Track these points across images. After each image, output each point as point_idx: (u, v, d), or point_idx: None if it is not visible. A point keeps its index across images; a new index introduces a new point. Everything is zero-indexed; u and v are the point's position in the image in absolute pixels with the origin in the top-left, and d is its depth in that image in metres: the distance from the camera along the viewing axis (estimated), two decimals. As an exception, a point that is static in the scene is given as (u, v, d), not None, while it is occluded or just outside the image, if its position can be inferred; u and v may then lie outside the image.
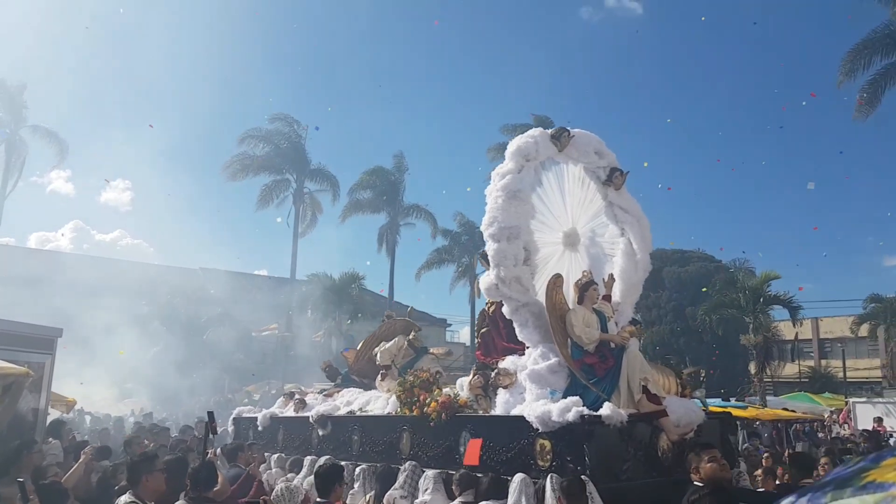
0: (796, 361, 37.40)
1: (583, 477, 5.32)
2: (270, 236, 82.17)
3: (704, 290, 31.02)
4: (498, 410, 6.65)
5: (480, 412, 6.88)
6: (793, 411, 21.90)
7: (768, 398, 26.33)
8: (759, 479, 7.89)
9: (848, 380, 33.05)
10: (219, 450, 8.65)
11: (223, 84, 76.17)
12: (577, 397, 5.83)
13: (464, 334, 48.20)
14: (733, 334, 29.90)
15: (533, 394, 6.22)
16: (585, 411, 5.64)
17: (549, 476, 5.58)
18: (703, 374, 7.08)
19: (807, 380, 36.30)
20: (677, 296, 35.87)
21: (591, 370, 6.17)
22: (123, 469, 6.68)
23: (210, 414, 5.70)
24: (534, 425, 5.83)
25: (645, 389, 5.92)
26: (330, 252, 74.75)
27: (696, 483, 4.33)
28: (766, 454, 10.84)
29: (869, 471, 1.93)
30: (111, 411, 25.22)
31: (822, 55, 61.99)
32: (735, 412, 18.39)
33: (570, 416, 5.57)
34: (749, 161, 70.43)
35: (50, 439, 9.05)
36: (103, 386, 28.41)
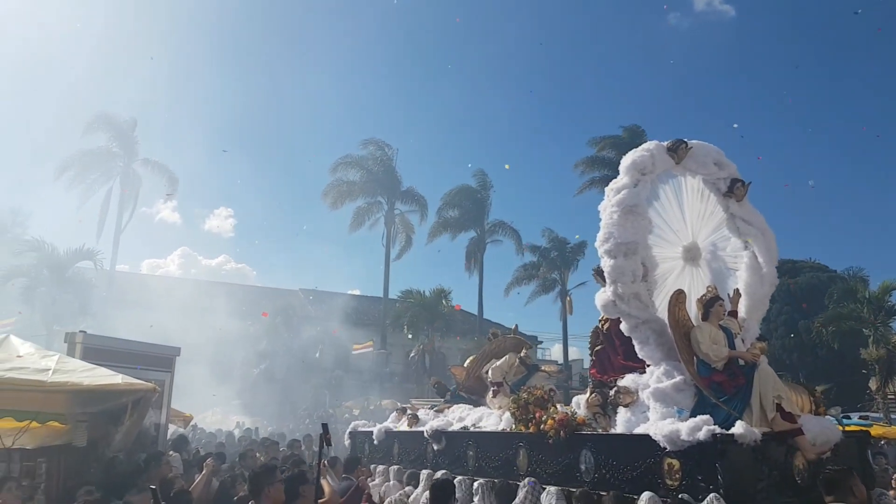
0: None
1: (714, 496, 5.16)
2: (362, 257, 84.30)
3: (828, 304, 29.24)
4: (619, 429, 6.56)
5: (599, 430, 6.82)
6: (922, 428, 20.37)
7: (892, 415, 24.59)
8: (893, 498, 7.42)
9: (979, 395, 30.30)
10: (326, 462, 8.91)
11: (311, 109, 79.19)
12: (708, 416, 5.69)
13: (555, 351, 47.59)
14: (850, 348, 28.07)
15: (658, 412, 6.10)
16: (717, 430, 5.48)
17: (679, 496, 5.44)
18: (830, 392, 6.72)
19: (932, 396, 33.57)
20: (788, 308, 34.03)
21: (720, 388, 5.99)
22: (240, 480, 7.11)
23: (324, 426, 5.87)
24: (661, 444, 5.72)
25: (779, 408, 5.69)
26: (419, 271, 75.88)
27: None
28: (894, 475, 10.17)
29: None
30: (221, 426, 26.37)
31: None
32: (851, 428, 17.36)
33: (701, 435, 5.44)
34: (859, 165, 66.37)
35: (171, 452, 9.56)
36: (213, 402, 29.76)
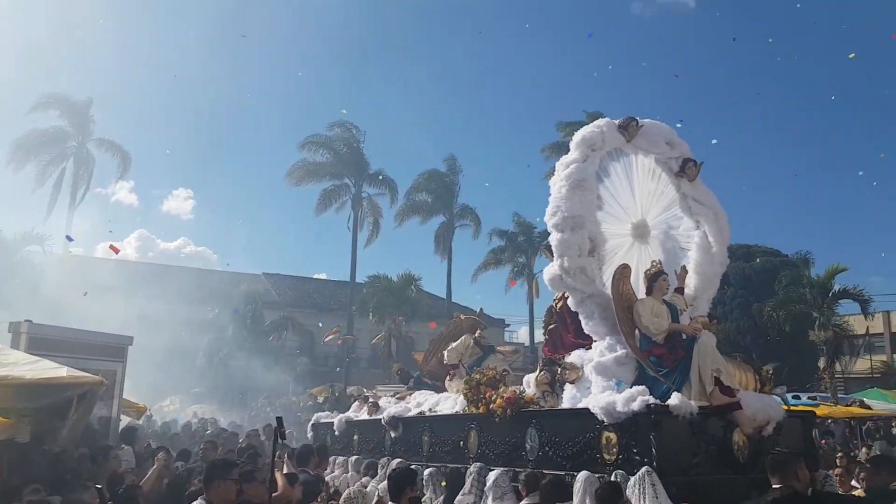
0: (867, 357, 35.85)
1: (646, 469, 5.19)
2: (328, 240, 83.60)
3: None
4: (565, 405, 6.60)
5: (547, 408, 6.84)
6: (868, 408, 21.03)
7: (839, 395, 25.42)
8: (837, 480, 7.54)
9: (922, 375, 31.50)
10: (285, 455, 8.79)
11: (278, 89, 77.98)
12: (643, 387, 5.72)
13: (522, 334, 48.01)
14: (801, 330, 28.93)
15: (599, 386, 6.14)
16: (651, 400, 5.51)
17: (614, 473, 5.47)
18: (770, 372, 6.79)
19: (879, 375, 34.80)
20: (742, 292, 34.82)
21: (659, 361, 6.04)
22: (196, 473, 6.86)
23: (279, 419, 5.80)
24: (599, 417, 5.73)
25: (717, 381, 5.74)
26: (387, 255, 75.67)
27: (778, 486, 4.07)
28: (840, 454, 10.40)
29: None
30: (179, 416, 25.96)
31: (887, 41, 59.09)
32: (803, 409, 17.85)
33: (636, 406, 5.47)
34: (814, 150, 67.97)
35: (123, 445, 9.27)
36: (170, 391, 29.28)
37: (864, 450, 13.50)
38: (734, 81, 69.85)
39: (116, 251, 25.39)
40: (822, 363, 29.33)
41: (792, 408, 8.09)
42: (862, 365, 35.48)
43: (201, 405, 28.29)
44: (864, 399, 23.22)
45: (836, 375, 28.67)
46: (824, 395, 24.96)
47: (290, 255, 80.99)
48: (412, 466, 7.64)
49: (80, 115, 37.50)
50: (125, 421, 12.34)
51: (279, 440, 5.83)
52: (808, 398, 21.24)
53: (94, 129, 38.39)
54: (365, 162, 38.86)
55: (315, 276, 51.57)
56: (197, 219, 71.28)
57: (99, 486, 5.65)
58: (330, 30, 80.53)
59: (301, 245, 77.69)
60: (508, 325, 47.28)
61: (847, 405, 21.40)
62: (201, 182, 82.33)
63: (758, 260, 36.09)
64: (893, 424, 20.79)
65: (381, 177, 39.12)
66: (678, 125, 7.23)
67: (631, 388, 5.81)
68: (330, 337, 34.60)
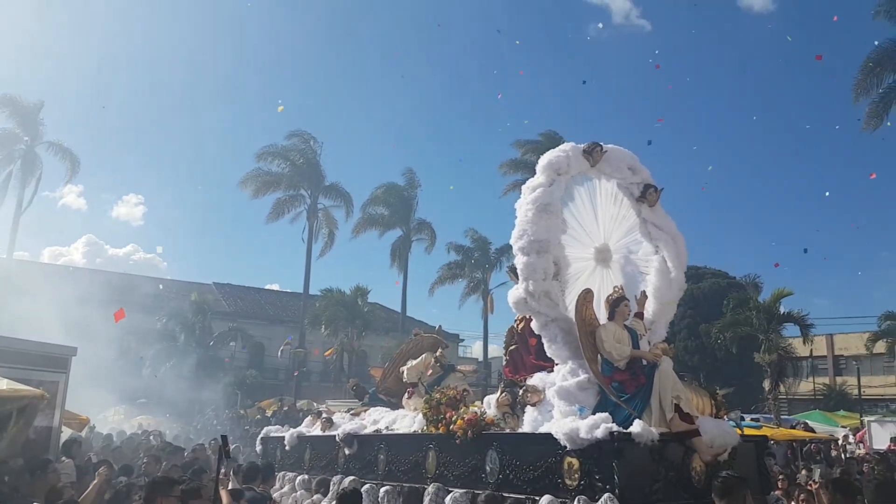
0: (811, 379, 37.03)
1: (608, 496, 5.22)
2: (282, 251, 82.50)
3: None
4: (526, 428, 6.59)
5: (508, 430, 6.82)
6: (811, 430, 21.65)
7: (782, 416, 26.15)
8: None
9: (863, 397, 32.66)
10: (232, 471, 8.56)
11: (232, 98, 76.97)
12: (607, 414, 5.76)
13: (476, 349, 48.11)
14: (747, 352, 29.74)
15: (561, 411, 6.14)
16: (615, 428, 5.56)
17: (576, 498, 5.49)
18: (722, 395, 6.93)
19: (821, 397, 35.97)
20: (691, 312, 35.65)
21: (621, 387, 6.09)
22: (137, 489, 6.66)
23: (223, 438, 5.68)
24: (561, 442, 5.74)
25: (677, 408, 5.82)
26: (343, 268, 75.07)
27: None
28: (781, 476, 10.63)
29: None
30: (125, 428, 25.15)
31: (838, 67, 62.03)
32: (749, 431, 18.27)
33: (599, 433, 5.49)
34: (763, 175, 70.30)
35: (63, 458, 8.93)
36: (115, 402, 28.37)
37: (803, 472, 13.81)
38: (685, 104, 71.89)
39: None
40: (766, 385, 30.16)
41: (745, 431, 8.29)
42: (805, 387, 36.63)
43: (147, 416, 27.46)
44: (808, 421, 23.97)
45: (780, 397, 29.52)
46: (768, 416, 25.67)
47: (242, 266, 79.67)
48: (364, 486, 7.61)
49: (30, 118, 36.42)
50: (67, 433, 11.86)
51: (224, 457, 5.70)
52: (752, 419, 21.81)
53: (44, 132, 37.30)
54: (321, 173, 38.55)
55: (267, 287, 50.90)
56: (147, 225, 69.67)
57: (36, 503, 5.40)
58: (290, 39, 80.00)
59: (254, 255, 76.51)
60: (463, 340, 47.39)
61: (791, 426, 22.01)
62: (152, 188, 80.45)
63: (706, 282, 36.99)
64: (833, 447, 21.40)
65: (336, 189, 38.83)
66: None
67: (593, 413, 5.85)
68: (282, 348, 34.07)
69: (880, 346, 33.59)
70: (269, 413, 26.58)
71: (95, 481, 6.96)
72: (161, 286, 39.68)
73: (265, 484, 7.17)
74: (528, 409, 6.67)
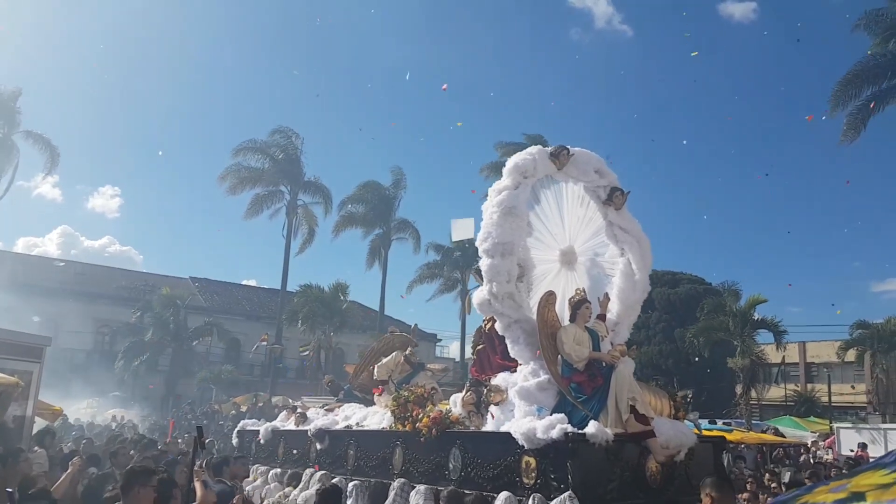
0: (782, 385, 37.55)
1: (568, 494, 5.36)
2: (260, 247, 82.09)
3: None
4: (489, 427, 6.71)
5: (472, 428, 6.94)
6: (781, 435, 22.01)
7: (753, 421, 26.51)
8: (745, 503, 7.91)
9: (833, 404, 33.21)
10: (204, 463, 8.62)
11: (214, 90, 76.42)
12: (563, 414, 5.88)
13: (453, 349, 48.22)
14: (721, 357, 30.12)
15: (521, 410, 6.25)
16: (569, 428, 5.67)
17: (532, 496, 5.62)
18: (689, 397, 7.10)
19: (792, 403, 36.48)
20: (667, 317, 36.03)
21: (579, 388, 6.21)
22: (111, 480, 6.67)
23: (199, 429, 5.73)
24: (519, 442, 5.86)
25: (633, 409, 5.94)
26: (322, 265, 74.83)
27: None
28: (749, 479, 10.86)
29: (802, 496, 2.02)
30: (96, 420, 24.99)
31: (815, 78, 62.97)
32: (720, 435, 18.56)
33: (554, 434, 5.61)
34: (742, 182, 71.12)
35: (36, 448, 8.93)
36: (88, 394, 28.17)
37: (766, 475, 14.06)
38: (668, 110, 72.63)
39: None
40: (738, 389, 30.57)
41: (705, 432, 8.46)
42: (776, 393, 37.16)
43: (119, 409, 27.31)
44: (778, 427, 24.36)
45: (752, 402, 29.91)
46: (739, 420, 26.04)
47: (219, 260, 79.16)
48: (333, 480, 7.72)
49: (6, 107, 35.78)
50: (40, 423, 11.81)
51: (200, 449, 5.76)
52: (724, 423, 22.12)
53: (21, 121, 36.70)
54: (301, 169, 38.34)
55: (244, 283, 50.69)
56: (123, 218, 69.03)
57: (10, 490, 5.40)
58: (273, 35, 79.57)
59: (231, 250, 76.13)
60: (440, 340, 47.46)
61: (762, 431, 22.36)
62: (129, 180, 79.73)
63: (682, 287, 37.39)
64: (803, 451, 21.75)
65: (316, 185, 38.64)
66: (608, 159, 7.45)
67: (552, 414, 5.97)
68: (257, 345, 33.93)
69: (851, 355, 34.21)
70: (243, 408, 26.47)
71: (69, 471, 7.02)
72: (136, 279, 39.38)
73: (235, 477, 7.24)
74: (492, 407, 6.79)
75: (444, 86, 62.42)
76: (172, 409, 29.87)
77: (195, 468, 5.82)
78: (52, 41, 66.83)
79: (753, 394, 29.50)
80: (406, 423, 7.38)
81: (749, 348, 28.03)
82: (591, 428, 5.63)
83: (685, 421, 7.33)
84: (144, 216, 74.63)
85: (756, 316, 28.64)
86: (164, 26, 70.11)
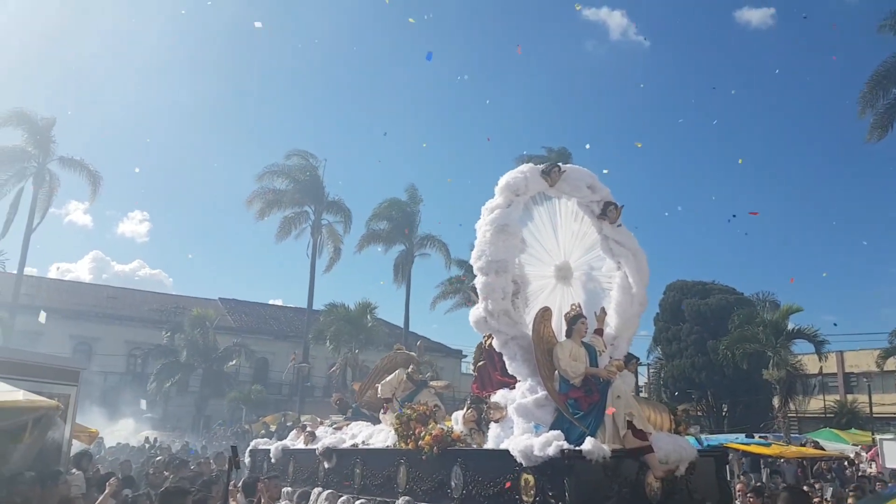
0: (821, 396, 36.48)
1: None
2: (286, 266, 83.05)
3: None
4: (489, 444, 6.68)
5: (474, 446, 6.91)
6: (822, 449, 21.26)
7: (792, 434, 25.74)
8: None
9: (874, 415, 32.14)
10: (240, 483, 8.73)
11: (234, 116, 77.86)
12: (559, 431, 5.83)
13: (480, 366, 47.76)
14: (756, 368, 29.26)
15: (520, 428, 6.22)
16: (566, 446, 5.61)
17: None
18: (690, 411, 6.95)
19: (832, 415, 35.37)
20: (698, 329, 35.21)
21: (576, 404, 6.14)
22: (146, 501, 6.84)
23: (234, 448, 5.81)
24: (518, 459, 5.83)
25: (630, 425, 5.85)
26: (346, 283, 75.34)
27: None
28: (750, 494, 10.39)
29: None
30: (130, 441, 25.39)
31: (841, 83, 61.66)
32: (758, 449, 18.03)
33: (551, 451, 5.57)
34: (772, 192, 69.84)
35: (73, 470, 9.12)
36: (122, 415, 28.69)
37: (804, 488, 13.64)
38: (693, 120, 71.79)
39: None
40: (776, 402, 29.71)
41: (753, 448, 8.22)
42: (816, 404, 36.11)
43: (153, 431, 27.72)
44: (818, 439, 23.55)
45: (790, 415, 29.05)
46: (778, 434, 25.27)
47: (246, 281, 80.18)
48: (341, 499, 7.70)
49: (42, 135, 36.88)
50: (77, 446, 12.05)
51: (235, 469, 5.83)
52: (760, 437, 21.51)
53: (56, 150, 37.78)
54: (323, 189, 38.74)
55: (271, 303, 51.23)
56: (152, 242, 70.48)
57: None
58: (293, 61, 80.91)
59: (258, 271, 77.03)
60: (466, 356, 47.14)
61: (801, 444, 21.66)
62: (157, 205, 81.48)
63: (713, 297, 36.56)
64: (846, 465, 20.99)
65: (338, 205, 39.01)
66: (605, 172, 7.42)
67: (549, 430, 5.91)
68: (288, 365, 34.19)
69: (891, 364, 33.11)
70: (273, 428, 26.64)
71: (106, 492, 7.15)
72: (166, 301, 40.04)
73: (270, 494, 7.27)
74: (493, 425, 6.76)
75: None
76: (203, 430, 30.23)
77: (230, 487, 5.88)
78: (83, 71, 68.89)
79: (791, 406, 28.66)
80: (409, 440, 7.39)
81: (784, 359, 27.27)
82: (588, 444, 5.58)
83: (686, 435, 7.17)
84: (173, 240, 76.04)
85: (791, 326, 27.89)
86: (186, 51, 71.85)
